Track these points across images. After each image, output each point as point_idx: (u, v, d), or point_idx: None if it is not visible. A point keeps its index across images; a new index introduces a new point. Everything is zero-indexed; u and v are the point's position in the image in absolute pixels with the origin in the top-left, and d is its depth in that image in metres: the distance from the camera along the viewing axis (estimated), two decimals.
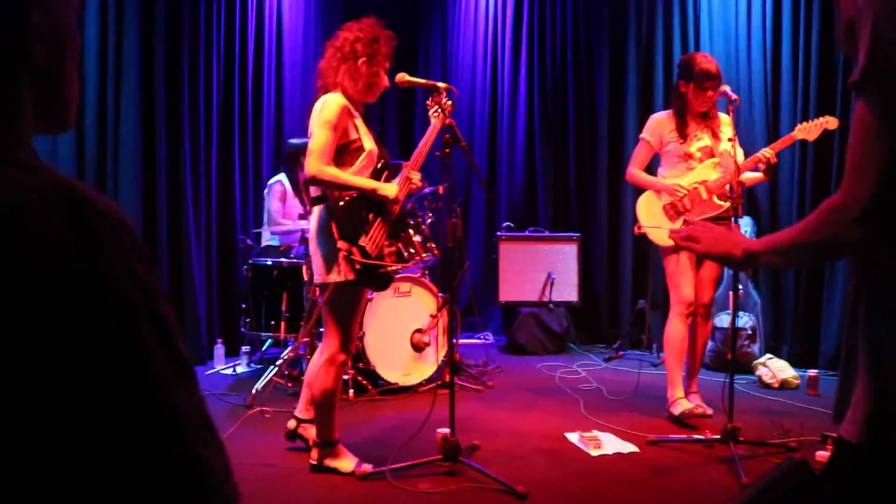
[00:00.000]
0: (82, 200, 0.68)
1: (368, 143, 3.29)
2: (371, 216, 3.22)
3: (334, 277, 3.19)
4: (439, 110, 3.47)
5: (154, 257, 0.73)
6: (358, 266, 3.13)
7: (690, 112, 4.25)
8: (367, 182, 3.23)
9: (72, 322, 0.65)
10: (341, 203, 3.17)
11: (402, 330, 4.84)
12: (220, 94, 5.84)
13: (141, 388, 0.67)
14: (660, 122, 4.35)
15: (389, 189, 3.25)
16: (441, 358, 4.88)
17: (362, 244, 3.15)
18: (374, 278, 3.23)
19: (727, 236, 1.49)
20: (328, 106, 3.21)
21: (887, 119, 1.18)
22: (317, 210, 3.28)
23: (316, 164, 3.13)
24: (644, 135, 4.39)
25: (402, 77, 3.45)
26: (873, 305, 1.28)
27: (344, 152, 3.25)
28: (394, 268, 3.32)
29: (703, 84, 4.12)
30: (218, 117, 5.81)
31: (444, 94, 3.49)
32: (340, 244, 3.12)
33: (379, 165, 3.33)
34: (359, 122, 3.31)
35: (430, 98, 3.53)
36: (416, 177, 3.40)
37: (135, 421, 0.66)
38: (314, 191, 3.28)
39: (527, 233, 6.56)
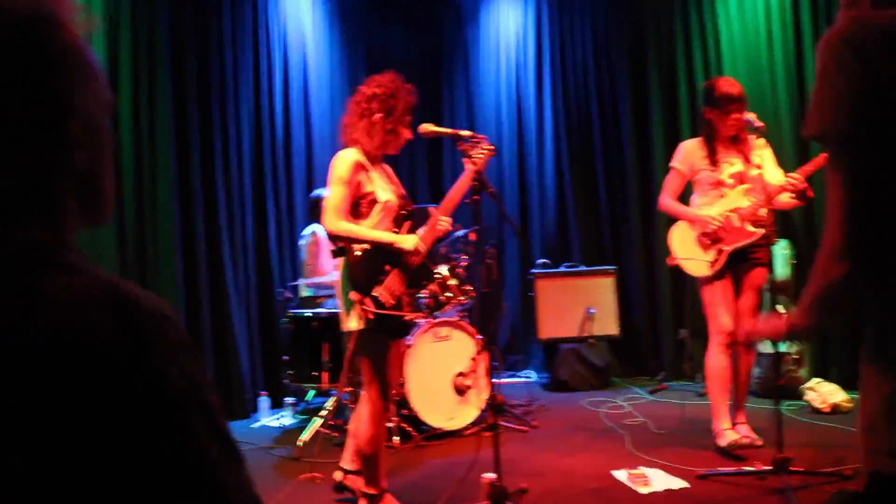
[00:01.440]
0: (128, 300, 0.73)
1: (384, 195, 3.33)
2: (388, 267, 3.26)
3: (353, 326, 3.22)
4: (480, 154, 3.42)
5: (199, 348, 0.79)
6: (370, 316, 3.17)
7: (719, 138, 4.22)
8: (384, 235, 3.27)
9: (128, 417, 0.69)
10: (357, 254, 3.23)
11: (443, 374, 4.83)
12: (252, 150, 5.99)
13: (193, 471, 0.71)
14: (690, 150, 4.33)
15: (407, 241, 3.29)
16: (484, 400, 4.85)
17: (375, 294, 3.19)
18: (389, 326, 3.25)
19: (775, 318, 1.61)
20: (340, 162, 3.28)
21: (843, 168, 1.27)
22: (339, 262, 3.34)
23: (331, 220, 3.23)
24: (675, 164, 4.37)
25: (426, 128, 3.45)
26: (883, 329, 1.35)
27: (359, 205, 3.31)
28: (410, 316, 3.35)
29: (727, 108, 4.09)
30: (251, 173, 5.96)
31: (479, 141, 3.45)
32: (352, 295, 3.18)
33: (403, 213, 3.36)
34: (375, 174, 3.34)
35: (467, 143, 3.48)
36: (445, 222, 3.41)
37: (189, 501, 0.70)
38: (335, 244, 3.35)
39: (562, 269, 6.55)
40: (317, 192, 5.48)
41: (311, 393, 5.58)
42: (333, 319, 4.96)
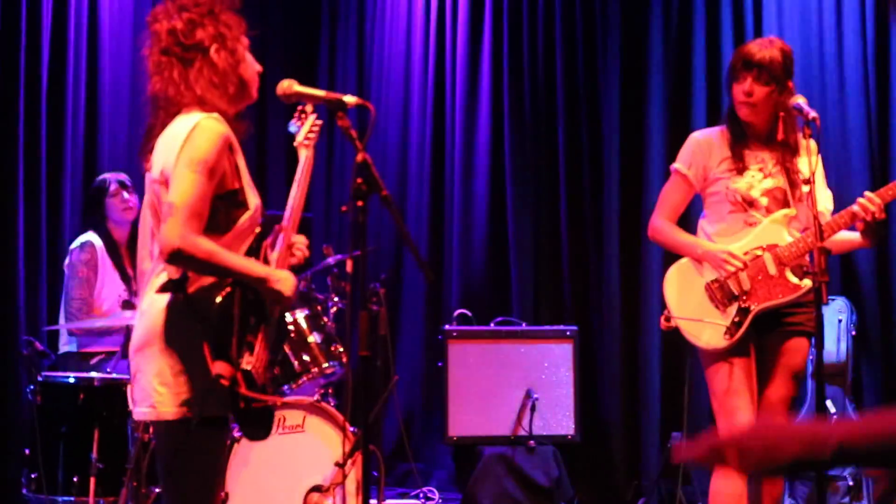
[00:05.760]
0: None
1: (254, 197, 3.28)
2: (253, 319, 3.19)
3: (167, 412, 3.08)
4: (315, 131, 3.59)
5: None
6: (241, 405, 3.10)
7: (752, 132, 4.22)
8: (255, 267, 3.20)
9: None
10: (218, 300, 3.09)
11: (289, 488, 4.82)
12: None
13: None
14: (704, 146, 4.30)
15: (285, 280, 3.21)
16: None
17: (248, 367, 3.11)
18: (257, 419, 3.23)
19: (805, 430, 1.60)
20: (202, 136, 3.08)
21: None
22: (160, 304, 3.12)
23: (184, 231, 3.00)
24: (679, 165, 4.33)
25: (288, 87, 3.36)
26: None
27: (217, 212, 3.17)
28: (279, 402, 3.46)
29: (739, 73, 4.11)
30: None
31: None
32: (219, 368, 3.03)
33: (258, 231, 3.30)
34: (241, 161, 3.27)
35: (300, 111, 3.65)
36: (301, 243, 3.42)
37: None
38: (174, 271, 3.13)
39: (492, 327, 6.53)
40: (106, 176, 5.56)
41: None
42: (113, 391, 4.98)
